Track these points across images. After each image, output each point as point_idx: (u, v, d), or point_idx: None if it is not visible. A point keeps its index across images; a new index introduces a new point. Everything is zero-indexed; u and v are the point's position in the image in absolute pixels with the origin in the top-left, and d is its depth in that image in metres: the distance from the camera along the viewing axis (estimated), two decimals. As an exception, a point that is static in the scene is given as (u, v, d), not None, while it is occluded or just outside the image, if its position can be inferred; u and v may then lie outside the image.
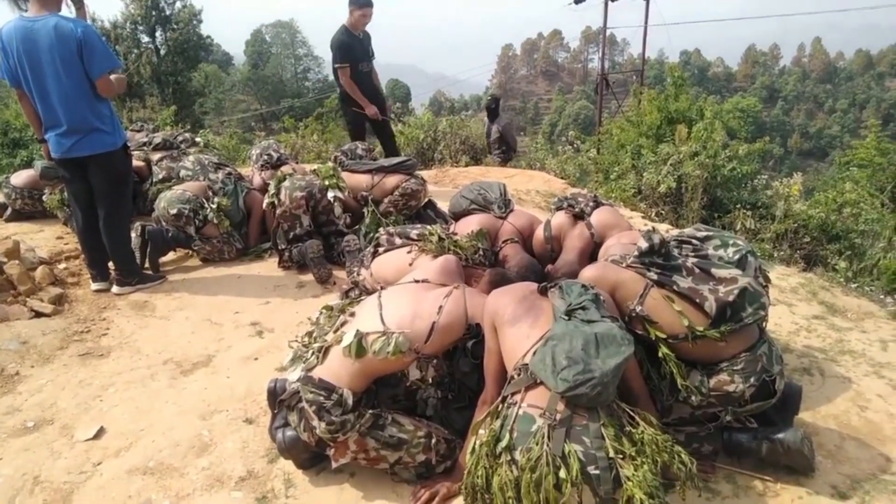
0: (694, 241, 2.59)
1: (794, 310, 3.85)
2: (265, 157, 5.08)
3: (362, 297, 2.81)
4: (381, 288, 2.73)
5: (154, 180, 5.14)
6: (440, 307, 2.32)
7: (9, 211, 5.34)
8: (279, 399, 2.39)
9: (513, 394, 1.98)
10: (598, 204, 3.53)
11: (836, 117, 72.15)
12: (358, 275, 3.38)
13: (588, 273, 2.47)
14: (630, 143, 8.66)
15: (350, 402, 2.17)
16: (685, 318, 2.27)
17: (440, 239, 3.09)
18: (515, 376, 2.02)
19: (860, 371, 3.11)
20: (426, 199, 4.84)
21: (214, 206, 4.48)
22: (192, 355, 3.23)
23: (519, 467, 1.80)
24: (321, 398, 2.15)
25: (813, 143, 68.88)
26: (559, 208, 3.61)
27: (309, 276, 4.15)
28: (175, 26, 28.51)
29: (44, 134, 3.68)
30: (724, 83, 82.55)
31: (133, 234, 4.19)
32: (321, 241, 4.27)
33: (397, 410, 2.33)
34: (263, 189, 4.75)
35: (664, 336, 2.29)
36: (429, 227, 3.30)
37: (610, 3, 20.57)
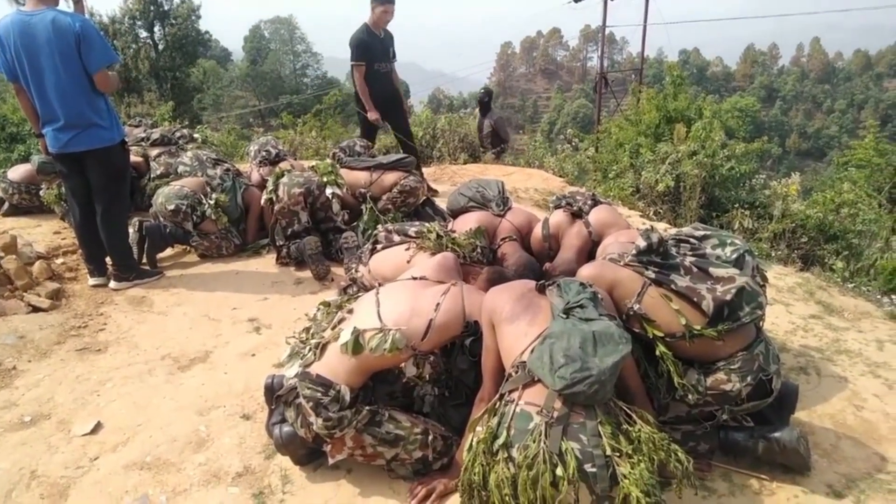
0: (692, 240, 2.60)
1: (791, 309, 3.86)
2: (263, 154, 5.08)
3: (360, 294, 2.81)
4: (379, 285, 2.73)
5: (152, 176, 5.14)
6: (437, 304, 2.32)
7: (6, 205, 5.33)
8: (276, 395, 2.39)
9: (510, 391, 1.98)
10: (596, 202, 3.53)
11: (834, 117, 72.22)
12: (356, 271, 3.38)
13: (586, 271, 2.48)
14: (628, 141, 8.67)
15: (347, 398, 2.17)
16: (683, 317, 2.27)
17: (438, 236, 3.09)
18: (513, 374, 2.02)
19: (856, 371, 3.12)
20: (424, 197, 4.84)
21: (212, 202, 4.48)
22: (190, 351, 3.23)
23: (516, 465, 1.80)
24: (318, 394, 2.15)
25: (811, 143, 68.95)
26: (557, 206, 3.61)
27: (307, 273, 4.15)
28: (173, 21, 28.42)
29: (41, 129, 3.67)
30: (722, 83, 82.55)
31: (131, 230, 4.19)
32: (319, 238, 4.27)
33: (394, 407, 2.34)
34: (262, 185, 4.76)
35: (662, 334, 2.30)
36: (427, 224, 3.30)
37: (609, 1, 20.56)
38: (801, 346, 3.37)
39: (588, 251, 3.32)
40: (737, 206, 7.04)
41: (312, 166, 4.68)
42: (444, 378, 2.46)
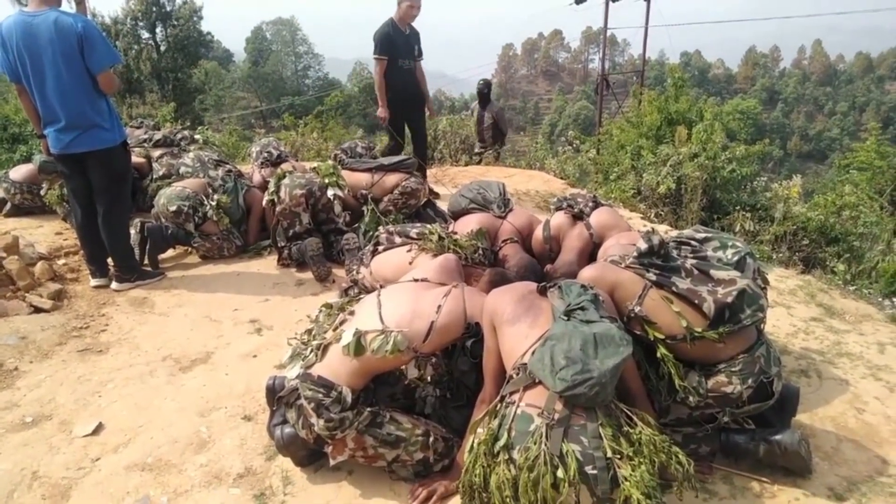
0: (693, 243, 2.60)
1: (793, 312, 3.85)
2: (265, 155, 5.08)
3: (361, 296, 2.81)
4: (381, 286, 2.73)
5: (154, 177, 5.14)
6: (439, 306, 2.32)
7: (8, 206, 5.34)
8: (278, 396, 2.39)
9: (511, 393, 1.98)
10: (597, 204, 3.53)
11: (835, 120, 72.12)
12: (357, 273, 3.38)
13: (587, 273, 2.48)
14: (630, 143, 8.67)
15: (349, 399, 2.17)
16: (684, 319, 2.27)
17: (440, 238, 3.10)
18: (514, 376, 2.02)
19: (858, 373, 3.12)
20: (426, 198, 4.84)
21: (214, 204, 4.48)
22: (191, 352, 3.23)
23: (517, 466, 1.80)
24: (320, 395, 2.16)
25: (812, 146, 68.88)
26: (558, 208, 3.61)
27: (308, 274, 4.15)
28: (175, 22, 28.46)
29: (42, 129, 3.68)
30: (724, 85, 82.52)
31: (132, 231, 4.19)
32: (320, 239, 4.27)
33: (395, 408, 2.34)
34: (263, 186, 4.76)
35: (662, 336, 2.30)
36: (429, 226, 3.30)
37: (611, 3, 20.57)
38: (803, 349, 3.37)
39: (589, 253, 3.33)
40: (738, 208, 7.04)
41: (314, 168, 4.68)
42: (446, 380, 2.46)
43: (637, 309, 2.33)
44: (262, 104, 48.35)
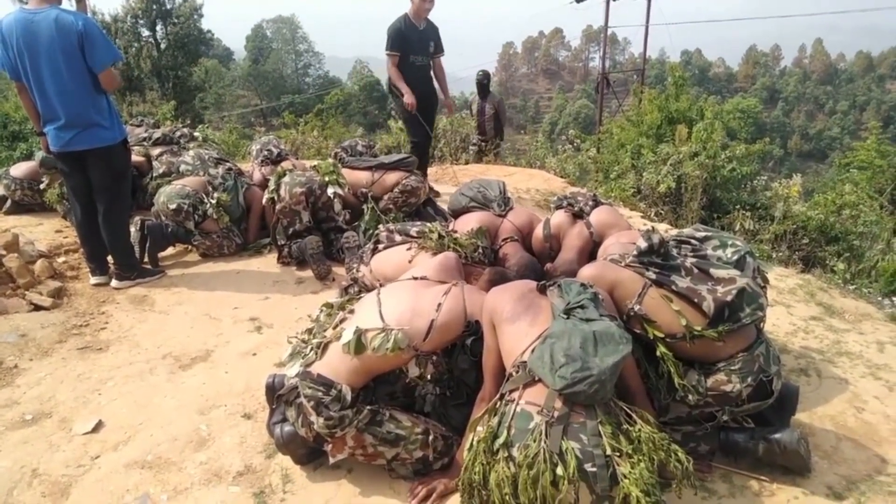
0: (693, 242, 2.60)
1: (792, 311, 3.86)
2: (265, 153, 5.08)
3: (362, 294, 2.81)
4: (381, 285, 2.73)
5: (154, 175, 5.14)
6: (439, 305, 2.32)
7: (8, 203, 5.34)
8: (277, 394, 2.40)
9: (511, 391, 1.98)
10: (597, 203, 3.53)
11: (836, 119, 72.09)
12: (357, 271, 3.38)
13: (587, 272, 2.48)
14: (630, 142, 8.67)
15: (348, 397, 2.17)
16: (683, 318, 2.27)
17: (440, 236, 3.10)
18: (514, 374, 2.03)
19: (857, 372, 3.12)
20: (426, 197, 4.84)
21: (214, 202, 4.48)
22: (191, 350, 3.23)
23: (516, 464, 1.81)
24: (320, 394, 2.16)
25: (813, 145, 68.84)
26: (559, 207, 3.61)
27: (308, 273, 4.16)
28: (176, 20, 28.42)
29: (42, 127, 3.67)
30: (724, 83, 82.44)
31: (132, 229, 4.19)
32: (320, 238, 4.27)
33: (395, 407, 2.34)
34: (263, 185, 4.76)
35: (662, 335, 2.30)
36: (429, 224, 3.30)
37: (611, 2, 20.55)
38: (802, 348, 3.37)
39: (589, 252, 3.33)
40: (738, 207, 7.05)
41: (314, 166, 4.68)
42: (446, 378, 2.46)
43: (637, 307, 2.33)
44: (263, 102, 48.34)
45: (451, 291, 2.39)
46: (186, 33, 28.32)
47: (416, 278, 2.54)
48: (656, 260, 2.40)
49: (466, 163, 8.62)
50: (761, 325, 2.51)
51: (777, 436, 2.28)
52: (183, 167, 4.90)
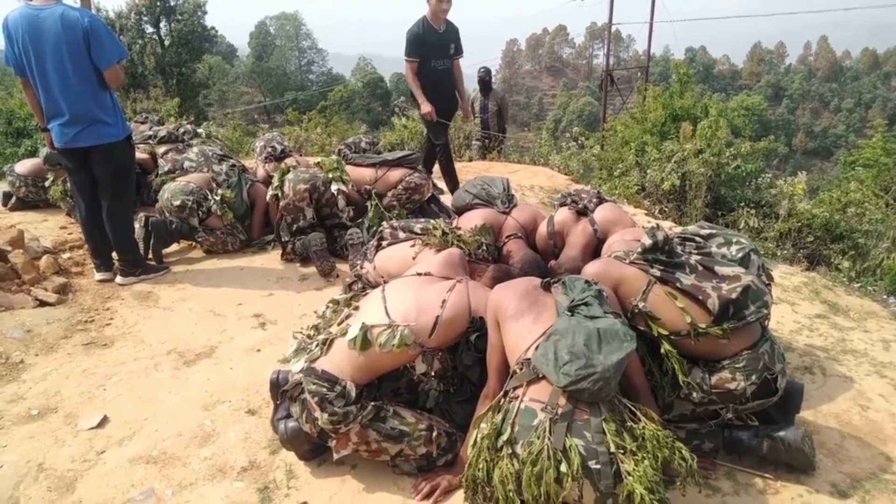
0: (697, 239, 2.60)
1: (797, 309, 3.85)
2: (269, 150, 5.09)
3: (366, 291, 2.81)
4: (385, 281, 2.73)
5: (159, 172, 5.15)
6: (444, 301, 2.32)
7: (13, 199, 5.37)
8: (282, 390, 2.40)
9: (515, 388, 1.98)
10: (601, 200, 3.53)
11: (841, 117, 71.77)
12: (361, 268, 3.38)
13: (591, 269, 2.47)
14: (634, 139, 8.65)
15: (353, 393, 2.17)
16: (688, 315, 2.27)
17: (444, 233, 3.10)
18: (518, 371, 2.03)
19: (862, 371, 3.11)
20: (429, 194, 4.84)
21: (218, 198, 4.49)
22: (196, 346, 3.24)
23: (520, 461, 1.81)
24: (324, 389, 2.16)
25: (818, 143, 68.57)
26: (562, 204, 3.61)
27: (312, 269, 4.16)
28: (179, 17, 28.47)
29: (46, 123, 3.68)
30: (729, 81, 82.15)
31: (137, 225, 4.21)
32: (324, 234, 4.28)
33: (399, 403, 2.35)
34: (267, 181, 4.76)
35: (666, 332, 2.30)
36: (432, 221, 3.30)
37: (616, -2, 20.47)
38: (807, 346, 3.36)
39: (593, 249, 3.32)
40: (742, 204, 7.03)
41: (318, 162, 4.69)
42: (450, 374, 2.46)
43: (641, 304, 2.33)
44: (266, 99, 48.36)
45: (456, 287, 2.39)
46: (190, 30, 28.38)
47: (420, 274, 2.54)
48: (661, 257, 2.39)
49: (470, 160, 8.61)
50: (766, 322, 2.50)
51: (781, 433, 2.27)
52: (187, 164, 4.91)
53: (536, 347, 1.99)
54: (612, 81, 20.59)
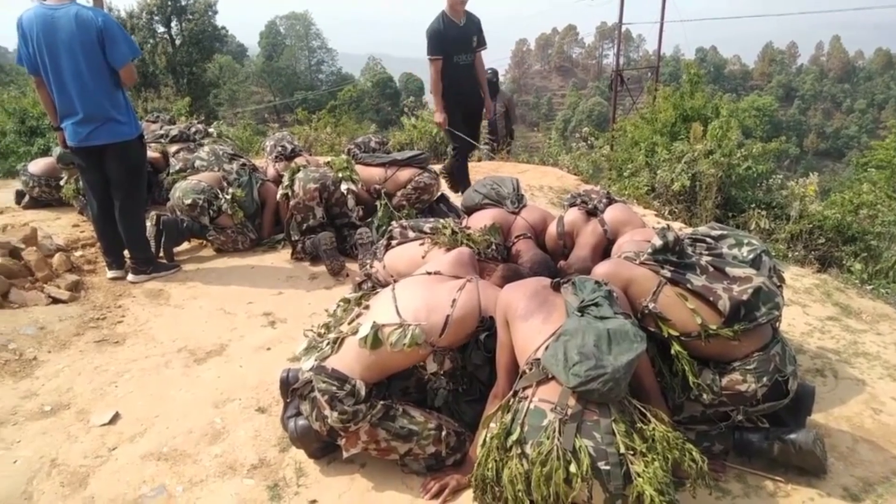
0: (708, 240, 2.59)
1: (808, 311, 3.82)
2: (279, 149, 5.11)
3: (376, 290, 2.82)
4: (394, 280, 2.74)
5: (170, 171, 5.19)
6: (454, 300, 2.32)
7: (26, 198, 5.42)
8: (292, 388, 2.41)
9: (524, 388, 1.98)
10: (611, 201, 3.52)
11: (854, 117, 71.16)
12: (371, 267, 3.39)
13: (601, 269, 2.47)
14: (644, 140, 8.62)
15: (362, 392, 2.18)
16: (698, 316, 2.26)
17: (453, 232, 3.10)
18: (527, 371, 2.02)
19: (874, 374, 3.09)
20: (439, 194, 4.84)
21: (229, 197, 4.52)
22: (206, 344, 3.26)
23: (529, 461, 1.80)
24: (334, 388, 2.17)
25: (830, 144, 68.02)
26: (572, 205, 3.60)
27: (321, 268, 4.18)
28: (190, 17, 28.64)
29: (60, 122, 3.72)
30: (740, 81, 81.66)
31: (148, 224, 4.24)
32: (334, 234, 4.29)
33: (408, 402, 2.35)
34: (277, 180, 4.79)
35: (677, 334, 2.29)
36: (442, 220, 3.31)
37: (626, -2, 20.39)
38: (818, 348, 3.34)
39: (603, 249, 3.31)
40: (753, 206, 6.99)
41: (328, 162, 4.70)
42: (459, 373, 2.47)
43: (651, 305, 2.32)
44: (276, 99, 48.56)
45: (466, 286, 2.39)
46: (201, 30, 28.54)
47: (430, 273, 2.54)
48: (671, 258, 2.38)
49: (479, 160, 8.61)
50: (777, 324, 2.49)
51: (792, 436, 2.26)
52: (198, 163, 4.94)
53: (546, 347, 1.99)
54: (622, 81, 20.53)
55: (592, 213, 3.47)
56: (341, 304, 2.71)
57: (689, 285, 2.31)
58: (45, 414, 2.65)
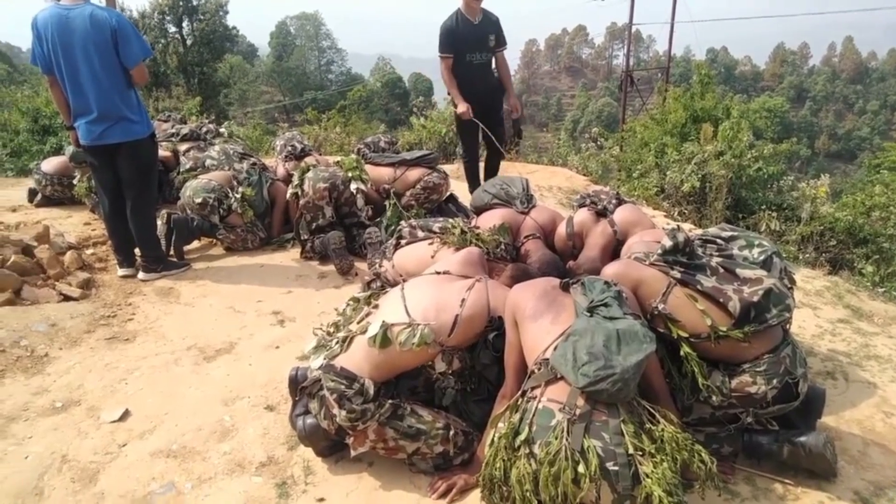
0: (718, 241, 2.57)
1: (819, 313, 3.79)
2: (289, 149, 5.13)
3: (385, 289, 2.82)
4: (403, 280, 2.74)
5: (181, 170, 5.22)
6: (463, 300, 2.32)
7: (39, 196, 5.47)
8: (301, 386, 2.42)
9: (533, 388, 1.98)
10: (620, 201, 3.51)
11: (866, 119, 70.60)
12: (380, 266, 3.40)
13: (610, 270, 2.46)
14: (654, 141, 8.60)
15: (371, 391, 2.18)
16: (708, 318, 2.25)
17: (462, 232, 3.10)
18: (536, 371, 2.02)
19: (886, 377, 3.06)
20: (448, 193, 4.84)
21: (239, 196, 4.54)
22: (215, 342, 3.28)
23: (537, 461, 1.80)
24: (342, 387, 2.17)
25: (841, 145, 67.52)
26: (581, 205, 3.59)
27: (330, 267, 4.19)
28: (202, 17, 28.78)
29: (73, 121, 3.75)
30: (751, 82, 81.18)
31: (159, 222, 4.26)
32: (343, 233, 4.30)
33: (417, 401, 2.35)
34: (287, 180, 4.81)
35: (686, 335, 2.28)
36: (451, 220, 3.31)
37: (636, -1, 20.34)
38: (829, 351, 3.31)
39: (612, 250, 3.30)
40: (764, 207, 6.96)
41: (337, 162, 4.72)
42: (467, 373, 2.47)
43: (661, 306, 2.31)
44: (286, 98, 48.74)
45: (475, 286, 2.39)
46: (212, 30, 28.68)
47: (439, 273, 2.55)
48: (681, 259, 2.37)
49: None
50: (788, 326, 2.47)
51: (802, 439, 2.24)
52: (209, 162, 4.97)
53: (555, 348, 1.99)
54: (631, 82, 20.48)
55: (602, 213, 3.46)
56: (350, 303, 2.72)
57: (699, 286, 2.30)
58: (56, 410, 2.67)
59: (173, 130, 5.75)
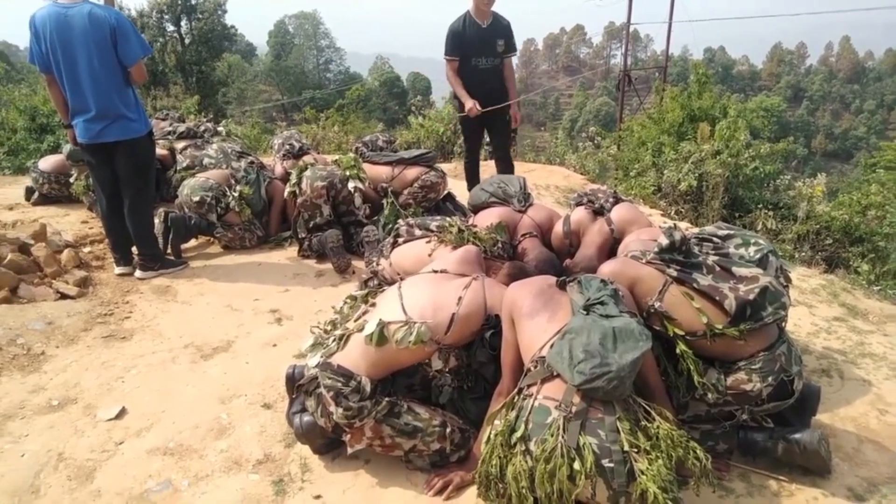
0: (715, 239, 2.58)
1: (815, 311, 3.81)
2: (287, 147, 5.13)
3: (382, 288, 2.83)
4: (401, 278, 2.74)
5: (178, 168, 5.22)
6: (460, 298, 2.33)
7: (36, 195, 5.46)
8: (298, 384, 2.42)
9: (529, 386, 1.99)
10: (617, 200, 3.51)
11: (862, 118, 70.73)
12: (377, 265, 3.40)
13: (607, 268, 2.47)
14: (651, 140, 8.62)
15: (368, 389, 2.19)
16: (704, 316, 2.26)
17: (460, 230, 3.10)
18: (532, 368, 2.03)
19: (881, 374, 3.07)
20: (445, 192, 4.85)
21: (236, 195, 4.54)
22: (213, 340, 3.28)
23: (533, 458, 1.81)
24: (339, 384, 2.18)
25: (838, 145, 67.63)
26: (579, 204, 3.60)
27: (328, 265, 4.19)
28: (200, 16, 28.74)
29: (71, 119, 3.75)
30: (748, 82, 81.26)
31: (156, 221, 4.26)
32: (341, 231, 4.31)
33: (413, 399, 2.36)
34: (285, 178, 4.81)
35: (682, 333, 2.29)
36: (448, 218, 3.31)
37: (634, -2, 20.36)
38: (824, 348, 3.33)
39: (609, 248, 3.31)
40: (760, 206, 6.98)
41: (335, 160, 4.72)
42: (464, 371, 2.47)
43: (657, 304, 2.32)
44: (284, 97, 48.69)
45: (472, 285, 2.39)
46: (210, 29, 28.64)
47: (436, 271, 2.55)
48: (678, 257, 2.38)
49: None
50: (783, 324, 2.48)
51: (797, 436, 2.25)
52: (206, 160, 4.97)
53: (551, 345, 2.00)
54: (629, 81, 20.49)
55: (599, 212, 3.47)
56: (347, 301, 2.72)
57: (695, 284, 2.31)
58: (52, 408, 2.68)
59: (171, 129, 5.74)
